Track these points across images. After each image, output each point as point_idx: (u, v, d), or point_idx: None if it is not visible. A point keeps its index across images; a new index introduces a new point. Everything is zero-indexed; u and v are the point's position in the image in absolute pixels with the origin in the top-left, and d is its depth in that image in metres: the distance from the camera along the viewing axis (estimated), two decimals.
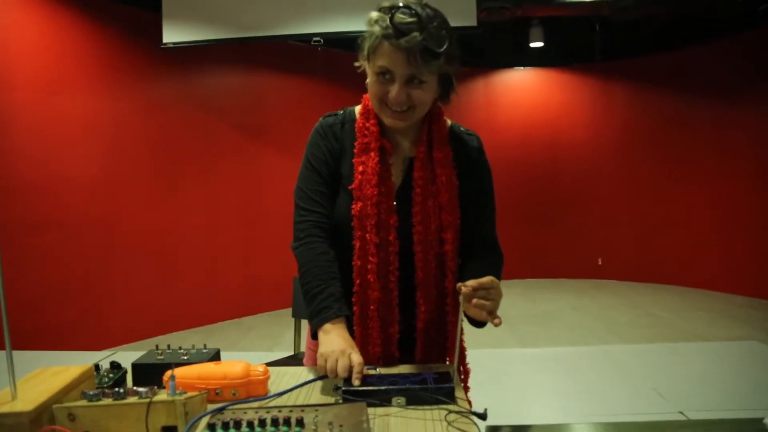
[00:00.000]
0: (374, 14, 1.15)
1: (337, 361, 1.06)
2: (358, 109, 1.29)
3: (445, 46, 1.12)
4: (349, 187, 1.21)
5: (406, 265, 1.22)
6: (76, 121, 4.41)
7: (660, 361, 3.61)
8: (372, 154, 1.21)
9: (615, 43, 6.59)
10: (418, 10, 1.11)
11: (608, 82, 7.10)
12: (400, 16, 1.10)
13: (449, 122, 1.30)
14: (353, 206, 1.20)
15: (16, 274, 3.91)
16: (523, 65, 7.32)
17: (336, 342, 1.10)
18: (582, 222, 7.21)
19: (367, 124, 1.23)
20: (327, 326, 1.14)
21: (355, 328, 1.22)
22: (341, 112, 1.30)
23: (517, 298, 6.20)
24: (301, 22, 4.23)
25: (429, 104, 1.21)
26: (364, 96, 1.27)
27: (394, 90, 1.14)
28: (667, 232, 6.64)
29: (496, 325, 1.08)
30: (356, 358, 1.07)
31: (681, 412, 2.71)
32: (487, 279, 1.07)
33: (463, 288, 1.06)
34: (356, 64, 1.24)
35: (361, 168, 1.21)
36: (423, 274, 1.22)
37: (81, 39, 4.47)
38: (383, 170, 1.22)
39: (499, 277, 1.18)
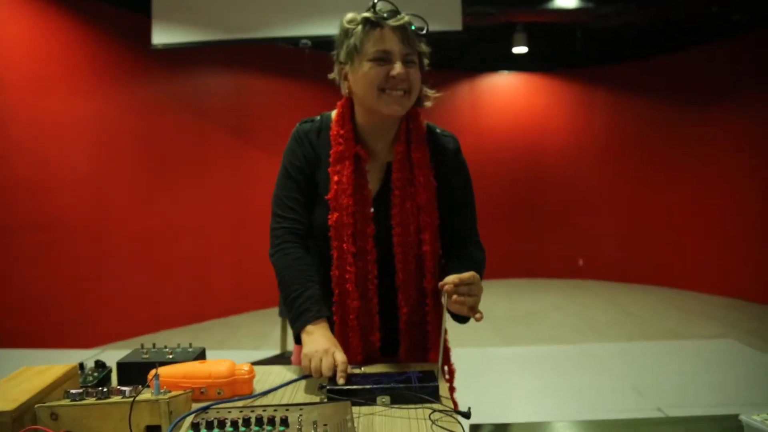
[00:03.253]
0: (348, 17, 1.20)
1: (321, 360, 1.07)
2: (334, 114, 1.29)
3: (425, 28, 1.20)
4: (326, 198, 1.22)
5: (386, 268, 1.23)
6: (66, 121, 4.36)
7: (639, 359, 3.67)
8: (347, 162, 1.21)
9: (597, 50, 6.68)
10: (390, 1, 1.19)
11: (590, 87, 7.20)
12: (380, 5, 1.17)
13: (425, 123, 1.31)
14: (330, 216, 1.21)
15: (4, 274, 3.86)
16: (508, 69, 7.39)
17: (319, 341, 1.11)
18: (564, 223, 7.29)
19: (342, 132, 1.23)
20: (309, 328, 1.15)
21: (335, 337, 1.22)
22: (318, 118, 1.30)
23: (500, 298, 6.25)
24: (290, 24, 4.22)
25: (418, 91, 1.23)
26: (338, 103, 1.27)
27: (396, 67, 1.16)
28: (646, 234, 6.75)
29: (478, 320, 1.10)
30: (340, 356, 1.08)
31: (659, 409, 2.76)
32: (467, 274, 1.09)
33: (445, 286, 1.07)
34: (331, 76, 1.25)
35: (336, 177, 1.21)
36: (403, 276, 1.23)
37: (71, 40, 4.42)
38: (358, 179, 1.22)
39: (481, 274, 1.20)
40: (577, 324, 5.14)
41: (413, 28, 1.18)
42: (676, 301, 5.92)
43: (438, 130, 1.32)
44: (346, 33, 1.20)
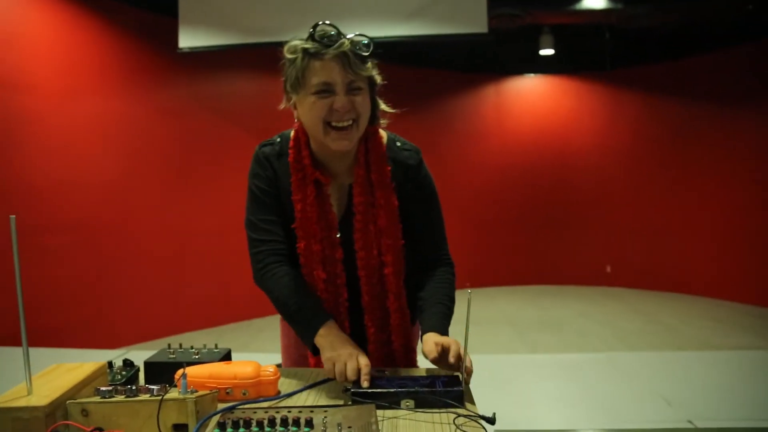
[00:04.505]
0: (290, 46, 1.15)
1: (345, 364, 1.07)
2: (291, 137, 1.26)
3: (370, 47, 1.14)
4: (292, 226, 1.22)
5: (354, 289, 1.24)
6: (94, 124, 4.47)
7: (667, 368, 3.58)
8: (308, 189, 1.20)
9: (625, 51, 6.58)
10: (333, 25, 1.13)
11: (618, 89, 7.08)
12: (320, 31, 1.12)
13: (386, 138, 1.27)
14: (298, 245, 1.21)
15: (32, 274, 3.96)
16: (534, 72, 7.32)
17: (341, 345, 1.12)
18: (590, 229, 7.18)
19: (300, 157, 1.22)
20: (321, 331, 1.15)
21: (309, 360, 1.25)
22: (278, 139, 1.27)
23: (526, 305, 6.17)
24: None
25: (368, 116, 1.20)
26: (295, 127, 1.25)
27: (338, 100, 1.12)
28: (675, 240, 6.60)
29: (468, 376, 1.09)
30: (363, 360, 1.08)
31: (689, 421, 2.69)
32: (449, 344, 1.07)
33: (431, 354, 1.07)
34: (281, 106, 1.22)
35: (299, 206, 1.20)
36: (369, 298, 1.24)
37: (98, 43, 4.53)
38: (321, 204, 1.22)
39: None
40: (604, 332, 5.05)
41: (360, 50, 1.13)
42: (708, 310, 5.76)
43: (398, 144, 1.28)
44: (289, 63, 1.15)
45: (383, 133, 1.28)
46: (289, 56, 1.15)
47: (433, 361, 1.09)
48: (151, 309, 4.85)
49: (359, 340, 1.22)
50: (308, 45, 1.12)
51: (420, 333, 1.20)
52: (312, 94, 1.13)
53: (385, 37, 4.28)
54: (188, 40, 4.48)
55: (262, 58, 5.64)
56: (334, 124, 1.14)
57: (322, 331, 1.15)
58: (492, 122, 7.28)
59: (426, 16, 4.31)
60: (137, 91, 4.79)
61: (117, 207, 4.62)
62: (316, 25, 1.13)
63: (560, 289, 7.09)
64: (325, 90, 1.12)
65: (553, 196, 7.30)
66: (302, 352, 1.34)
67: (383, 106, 1.25)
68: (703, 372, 3.48)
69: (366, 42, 1.14)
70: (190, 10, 4.47)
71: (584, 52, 6.83)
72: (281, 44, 1.18)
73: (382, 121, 1.26)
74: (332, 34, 1.11)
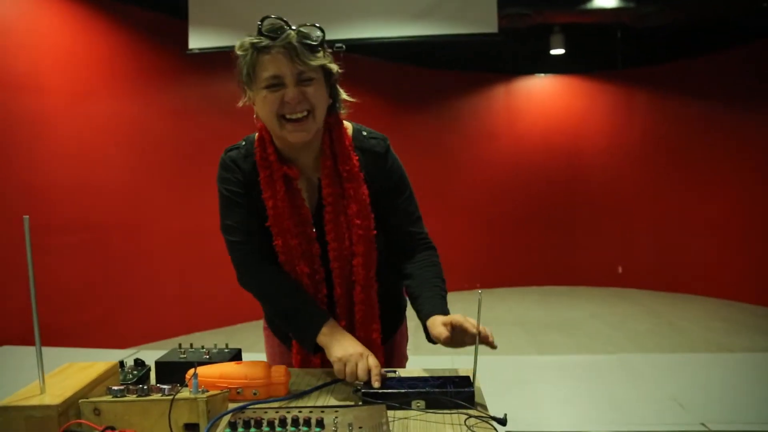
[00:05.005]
0: (239, 43, 1.14)
1: (356, 364, 1.07)
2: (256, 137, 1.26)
3: (320, 36, 1.13)
4: (266, 225, 1.21)
5: (329, 282, 1.24)
6: (102, 125, 4.50)
7: (681, 371, 3.54)
8: (277, 185, 1.19)
9: (636, 51, 6.53)
10: (280, 17, 1.12)
11: (629, 89, 7.03)
12: (266, 24, 1.11)
13: (351, 129, 1.26)
14: (275, 242, 1.20)
15: (44, 274, 4.00)
16: (544, 72, 7.29)
17: (350, 345, 1.11)
18: (602, 229, 7.13)
19: (265, 155, 1.21)
20: (324, 330, 1.14)
21: (293, 355, 1.26)
22: (243, 143, 1.26)
23: (536, 305, 6.14)
24: (325, 28, 4.29)
25: (325, 106, 1.18)
26: (258, 127, 1.24)
27: (288, 92, 1.11)
28: (688, 241, 6.54)
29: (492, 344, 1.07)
30: (373, 361, 1.07)
31: (702, 424, 2.66)
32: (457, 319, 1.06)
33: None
34: (240, 104, 1.22)
35: (271, 203, 1.19)
36: (341, 290, 1.23)
37: (109, 45, 4.57)
38: (293, 199, 1.21)
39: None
40: (615, 333, 5.01)
41: (308, 40, 1.12)
42: (722, 312, 5.70)
43: (365, 133, 1.26)
44: (241, 59, 1.15)
45: (348, 124, 1.26)
46: (239, 53, 1.14)
47: (446, 343, 1.06)
48: (162, 309, 4.88)
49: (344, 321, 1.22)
50: (255, 40, 1.12)
51: (422, 320, 1.17)
52: (263, 89, 1.13)
53: (395, 38, 4.28)
54: (198, 41, 4.51)
55: None
56: (288, 116, 1.13)
57: (325, 330, 1.14)
58: (502, 122, 7.26)
59: (435, 16, 4.30)
60: (147, 93, 4.82)
61: (128, 207, 4.66)
62: (263, 19, 1.12)
63: (571, 290, 7.05)
64: (275, 84, 1.12)
65: (564, 197, 7.26)
66: (286, 361, 1.33)
67: (344, 95, 1.24)
68: (716, 374, 3.44)
69: (316, 32, 1.13)
70: (199, 11, 4.50)
71: (595, 51, 6.79)
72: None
73: (343, 111, 1.24)
74: (278, 27, 1.11)
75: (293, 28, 1.12)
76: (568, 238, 7.25)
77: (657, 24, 5.37)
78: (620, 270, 7.08)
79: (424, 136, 6.63)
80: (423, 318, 1.16)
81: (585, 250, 7.20)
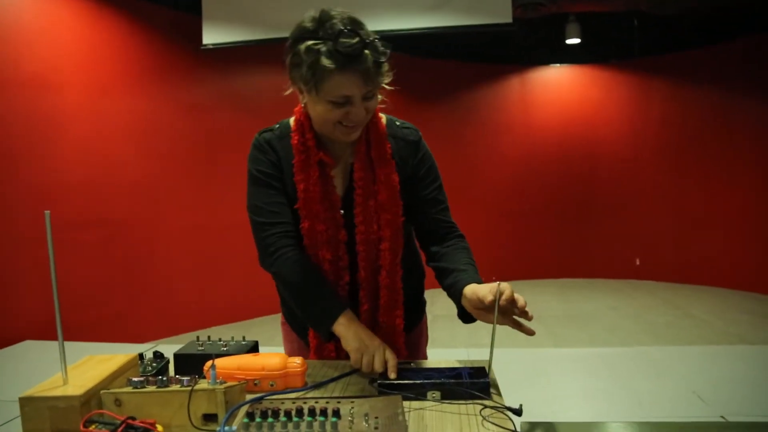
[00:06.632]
0: (308, 43, 1.07)
1: (373, 355, 1.07)
2: (292, 122, 1.26)
3: (389, 53, 1.11)
4: (295, 207, 1.21)
5: (353, 268, 1.24)
6: (119, 121, 4.55)
7: (701, 363, 3.50)
8: (312, 170, 1.20)
9: (654, 39, 6.41)
10: (353, 26, 1.08)
11: (647, 78, 6.91)
12: (344, 42, 1.05)
13: (384, 119, 1.27)
14: (302, 225, 1.21)
15: (65, 270, 4.07)
16: (560, 62, 7.20)
17: (367, 337, 1.12)
18: (620, 221, 7.05)
19: (303, 140, 1.21)
20: (341, 320, 1.14)
21: (311, 340, 1.26)
22: (277, 126, 1.28)
23: (553, 298, 6.10)
24: None
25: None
26: (295, 110, 1.25)
27: (356, 112, 1.12)
28: (707, 232, 6.43)
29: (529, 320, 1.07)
30: (390, 353, 1.08)
31: (722, 417, 2.62)
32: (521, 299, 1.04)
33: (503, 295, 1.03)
34: (286, 93, 1.20)
35: (303, 186, 1.20)
36: (365, 273, 1.24)
37: (126, 42, 4.62)
38: (325, 185, 1.21)
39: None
40: (634, 326, 4.96)
41: (381, 58, 1.09)
42: (741, 304, 5.61)
43: (398, 123, 1.29)
44: (301, 58, 1.09)
45: (381, 114, 1.27)
46: (303, 54, 1.08)
47: (488, 308, 1.03)
48: (179, 303, 4.94)
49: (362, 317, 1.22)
50: (329, 61, 1.05)
51: (457, 292, 1.14)
52: (327, 102, 1.11)
53: (409, 30, 4.25)
54: (212, 36, 4.53)
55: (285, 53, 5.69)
56: (345, 123, 1.14)
57: (342, 320, 1.14)
58: (518, 113, 7.20)
59: (449, 7, 4.27)
60: (163, 89, 4.87)
61: (145, 203, 4.71)
62: (338, 33, 1.05)
63: (588, 282, 6.99)
64: (342, 102, 1.11)
65: (581, 188, 7.18)
66: (305, 356, 1.33)
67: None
68: (736, 367, 3.39)
69: (385, 49, 1.11)
70: (213, 7, 4.51)
71: (611, 40, 6.68)
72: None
73: (379, 97, 1.22)
74: (354, 44, 1.05)
75: (367, 41, 1.07)
76: (585, 230, 7.18)
77: (674, 11, 5.27)
78: (638, 262, 7.00)
79: (438, 129, 6.60)
80: (459, 289, 1.14)
81: (602, 242, 7.13)
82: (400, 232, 1.24)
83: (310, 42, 1.08)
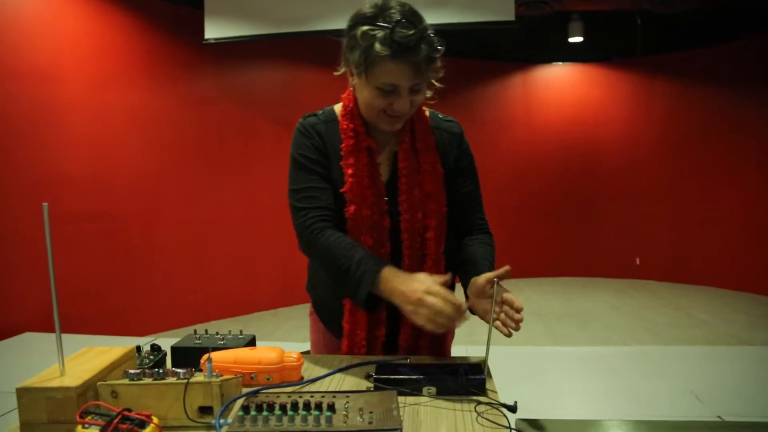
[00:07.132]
0: (365, 27, 1.10)
1: (435, 305, 1.02)
2: (337, 108, 1.27)
3: (442, 49, 1.12)
4: (340, 191, 1.20)
5: (395, 258, 1.23)
6: (120, 114, 4.56)
7: (699, 363, 3.50)
8: (360, 155, 1.21)
9: (657, 37, 6.39)
10: (412, 18, 1.09)
11: (650, 77, 6.90)
12: (401, 32, 1.07)
13: (428, 111, 1.30)
14: (346, 210, 1.19)
15: (66, 261, 4.08)
16: (562, 60, 7.19)
17: (419, 282, 1.06)
18: (620, 220, 7.05)
19: (352, 126, 1.21)
20: (385, 274, 1.09)
21: (344, 325, 1.23)
22: (321, 112, 1.28)
23: (553, 296, 6.11)
24: (340, 17, 4.27)
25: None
26: (343, 96, 1.26)
27: (401, 102, 1.13)
28: (708, 232, 6.43)
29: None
30: (451, 295, 1.05)
31: (719, 417, 2.63)
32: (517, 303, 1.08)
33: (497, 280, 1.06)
34: (337, 73, 1.21)
35: (350, 171, 1.20)
36: (409, 262, 1.23)
37: (128, 36, 4.62)
38: (372, 171, 1.22)
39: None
40: (633, 325, 4.96)
41: (434, 54, 1.10)
42: (743, 305, 5.61)
43: (440, 116, 1.31)
44: (357, 42, 1.11)
45: (424, 108, 1.29)
46: (359, 38, 1.10)
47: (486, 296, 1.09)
48: (178, 298, 4.95)
49: (396, 313, 1.15)
50: (383, 48, 1.07)
51: (464, 284, 1.21)
52: (375, 88, 1.13)
53: None
54: (214, 31, 4.53)
55: (287, 48, 5.69)
56: (389, 113, 1.16)
57: (386, 274, 1.09)
58: (519, 112, 7.19)
59: (452, 4, 4.26)
60: (165, 83, 4.87)
61: (145, 197, 4.72)
62: (395, 23, 1.07)
63: (588, 281, 6.99)
64: (390, 91, 1.13)
65: (582, 186, 7.18)
66: (331, 347, 1.33)
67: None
68: (734, 367, 3.39)
69: (437, 43, 1.12)
70: (215, 2, 4.51)
71: (614, 39, 6.66)
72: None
73: (428, 93, 1.23)
74: (410, 36, 1.06)
75: (424, 34, 1.09)
76: (585, 229, 7.17)
77: (678, 10, 5.25)
78: (638, 261, 6.99)
79: None
80: (466, 281, 1.19)
81: (603, 240, 7.13)
82: (445, 222, 1.25)
83: (368, 27, 1.10)
